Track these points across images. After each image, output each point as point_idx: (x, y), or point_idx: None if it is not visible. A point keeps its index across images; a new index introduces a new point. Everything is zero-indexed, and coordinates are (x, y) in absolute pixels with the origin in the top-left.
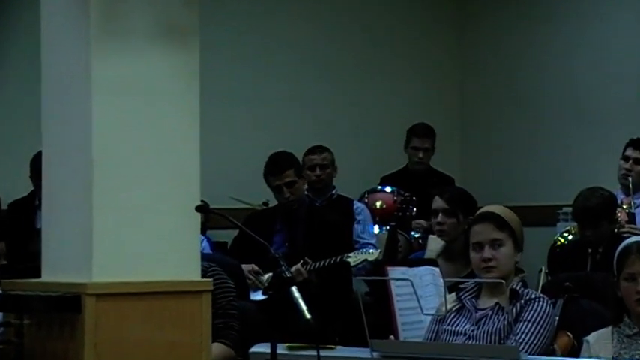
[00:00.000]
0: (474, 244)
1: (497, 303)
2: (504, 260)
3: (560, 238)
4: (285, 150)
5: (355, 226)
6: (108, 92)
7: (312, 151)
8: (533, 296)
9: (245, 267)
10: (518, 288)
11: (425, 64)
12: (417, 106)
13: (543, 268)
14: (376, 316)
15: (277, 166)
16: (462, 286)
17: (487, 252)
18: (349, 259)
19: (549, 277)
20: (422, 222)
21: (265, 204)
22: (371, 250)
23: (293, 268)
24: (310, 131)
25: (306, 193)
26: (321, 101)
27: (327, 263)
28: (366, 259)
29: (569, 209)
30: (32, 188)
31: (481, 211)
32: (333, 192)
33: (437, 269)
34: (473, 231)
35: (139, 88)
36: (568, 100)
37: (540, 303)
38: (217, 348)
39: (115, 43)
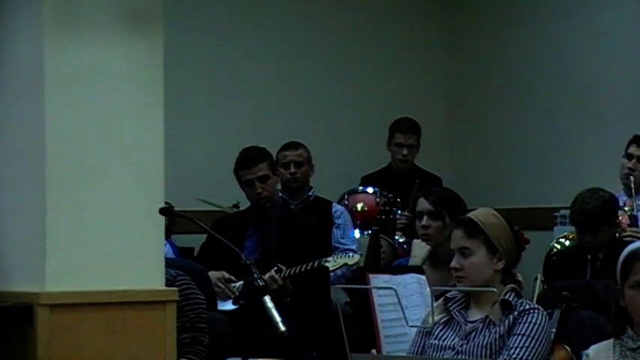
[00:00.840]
0: (451, 250)
1: (487, 316)
2: (473, 270)
3: (557, 244)
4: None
5: (334, 230)
6: (63, 85)
7: (287, 146)
8: (527, 307)
9: (214, 274)
10: (510, 298)
11: (411, 54)
12: (401, 99)
13: (539, 276)
14: (357, 329)
15: (249, 158)
16: (449, 295)
17: (455, 261)
18: (327, 264)
19: (545, 286)
20: (405, 214)
21: (236, 206)
22: (351, 254)
23: (266, 276)
24: (285, 127)
25: (280, 194)
26: (297, 94)
27: (303, 269)
28: (345, 264)
29: (567, 212)
30: None
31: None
32: (310, 193)
33: (423, 277)
34: (451, 236)
35: (97, 80)
36: (566, 93)
37: (535, 314)
38: None
39: (71, 30)
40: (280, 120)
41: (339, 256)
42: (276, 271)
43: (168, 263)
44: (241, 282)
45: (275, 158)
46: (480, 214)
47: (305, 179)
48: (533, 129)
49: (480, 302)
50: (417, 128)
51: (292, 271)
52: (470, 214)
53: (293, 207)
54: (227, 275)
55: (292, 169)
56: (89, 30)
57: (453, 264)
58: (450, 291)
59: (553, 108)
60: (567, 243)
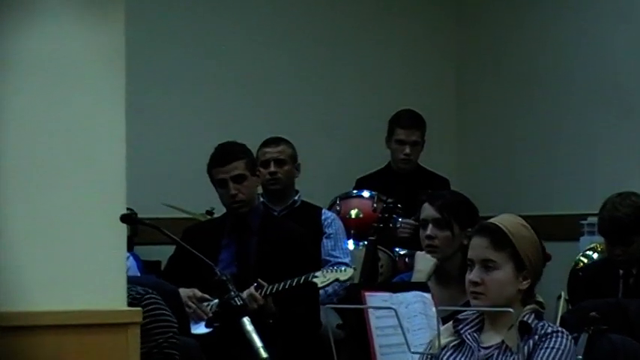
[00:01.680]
0: (467, 260)
1: (503, 341)
2: (496, 287)
3: (583, 257)
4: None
5: (324, 241)
6: (10, 76)
7: (267, 142)
8: (549, 330)
9: (183, 292)
10: (530, 321)
11: (414, 40)
12: (403, 90)
13: (563, 294)
14: (351, 355)
15: (224, 155)
16: (460, 316)
17: (475, 274)
18: (316, 280)
19: (570, 306)
20: (409, 221)
21: (210, 213)
22: (343, 269)
23: (245, 294)
24: (267, 122)
25: (261, 199)
26: (281, 84)
27: (287, 286)
28: (337, 279)
29: (595, 220)
30: None
31: (487, 221)
32: (296, 198)
33: (428, 295)
34: (470, 244)
35: (49, 70)
36: (593, 82)
37: (559, 338)
38: None
39: (20, 14)
40: (262, 114)
41: (329, 271)
42: (256, 288)
43: (132, 282)
44: (216, 301)
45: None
46: (508, 222)
47: (288, 180)
48: (555, 123)
49: (497, 325)
50: (421, 123)
51: (275, 288)
52: (495, 221)
53: (276, 214)
54: (199, 293)
55: (272, 168)
56: (41, 14)
57: (472, 277)
58: (460, 312)
59: (578, 99)
60: (595, 256)
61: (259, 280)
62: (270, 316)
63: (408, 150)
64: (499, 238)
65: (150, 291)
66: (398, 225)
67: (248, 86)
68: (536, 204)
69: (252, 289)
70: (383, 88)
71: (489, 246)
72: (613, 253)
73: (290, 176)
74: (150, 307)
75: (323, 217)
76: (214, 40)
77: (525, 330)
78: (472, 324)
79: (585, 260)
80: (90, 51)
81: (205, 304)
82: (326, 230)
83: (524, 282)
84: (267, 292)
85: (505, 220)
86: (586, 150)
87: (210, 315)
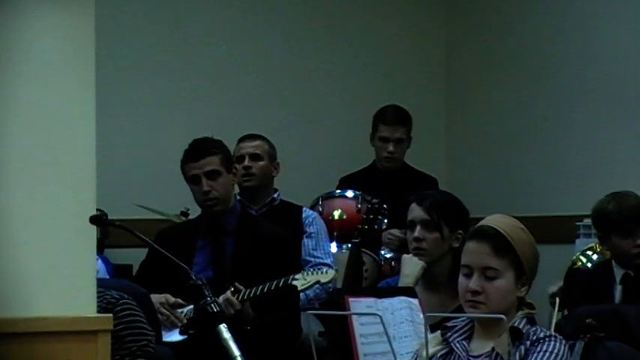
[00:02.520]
0: (463, 266)
1: (493, 348)
2: (497, 296)
3: (582, 257)
4: None
5: (305, 240)
6: None
7: (243, 138)
8: (542, 335)
9: (156, 298)
10: (521, 326)
11: (402, 31)
12: (389, 83)
13: (557, 299)
14: None
15: (197, 149)
16: (449, 324)
17: (475, 282)
18: (296, 282)
19: (566, 312)
20: (396, 232)
21: (184, 214)
22: (325, 270)
23: (221, 299)
24: (246, 119)
25: (238, 197)
26: (260, 78)
27: (265, 290)
28: (318, 282)
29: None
30: None
31: (482, 223)
32: (275, 196)
33: (415, 301)
34: (465, 249)
35: (11, 57)
36: (592, 75)
37: (552, 343)
38: None
39: None
40: (240, 110)
41: (309, 273)
42: (233, 293)
43: (103, 285)
44: (191, 307)
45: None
46: (507, 226)
47: (264, 177)
48: (551, 120)
49: (490, 333)
50: (407, 119)
51: (252, 292)
52: (493, 224)
53: (254, 213)
54: (172, 299)
55: (246, 162)
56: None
57: (472, 285)
58: (450, 319)
59: (576, 94)
60: (595, 257)
61: (236, 283)
62: (248, 322)
63: (391, 147)
64: (500, 245)
65: (125, 296)
66: (384, 227)
67: (225, 79)
68: (530, 204)
69: (228, 293)
70: (368, 82)
71: (490, 253)
72: (626, 248)
73: (266, 173)
74: (124, 313)
75: (304, 216)
76: (190, 29)
77: (516, 336)
78: (461, 332)
79: (584, 260)
80: (56, 36)
81: (179, 310)
82: (307, 229)
83: (523, 289)
84: (245, 297)
85: (503, 224)
86: (583, 148)
87: (185, 322)
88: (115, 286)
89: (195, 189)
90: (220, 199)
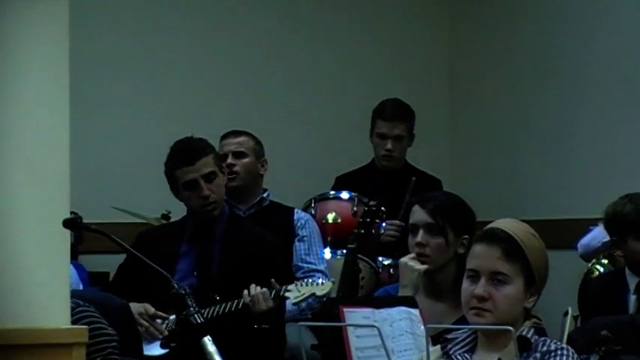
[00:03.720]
0: (468, 270)
1: (499, 359)
2: (505, 304)
3: (598, 265)
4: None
5: (297, 244)
6: None
7: (226, 134)
8: (552, 347)
9: (135, 308)
10: (529, 335)
11: (401, 21)
12: (389, 77)
13: (570, 309)
14: None
15: (189, 152)
16: (449, 335)
17: (482, 287)
18: (289, 294)
19: (579, 323)
20: (395, 222)
21: (165, 217)
22: (320, 281)
23: (254, 289)
24: (232, 115)
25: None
26: (248, 70)
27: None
28: (313, 294)
29: None
30: None
31: (492, 225)
32: (265, 196)
33: (416, 312)
34: (472, 252)
35: None
36: (611, 72)
37: (564, 355)
38: None
39: None
40: (225, 105)
41: (304, 285)
42: (217, 303)
43: (76, 297)
44: (173, 317)
45: None
46: (518, 230)
47: (249, 175)
48: (563, 115)
49: (495, 345)
50: (408, 114)
51: (237, 305)
52: (503, 228)
53: (242, 214)
54: (152, 309)
55: (230, 160)
56: None
57: (478, 290)
58: (453, 330)
59: (590, 88)
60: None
61: (272, 280)
62: (270, 321)
63: (389, 145)
64: (512, 249)
65: (81, 303)
66: (382, 231)
67: (209, 73)
68: (541, 207)
69: (264, 289)
70: (366, 75)
71: (501, 257)
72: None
73: (251, 170)
74: (83, 322)
75: (295, 218)
76: (170, 19)
77: (525, 346)
78: (462, 343)
79: (598, 269)
80: (27, 30)
81: (159, 321)
82: (299, 232)
83: (531, 299)
84: (230, 310)
85: (514, 228)
86: (597, 147)
87: (166, 334)
88: (92, 298)
89: (192, 195)
90: (219, 202)
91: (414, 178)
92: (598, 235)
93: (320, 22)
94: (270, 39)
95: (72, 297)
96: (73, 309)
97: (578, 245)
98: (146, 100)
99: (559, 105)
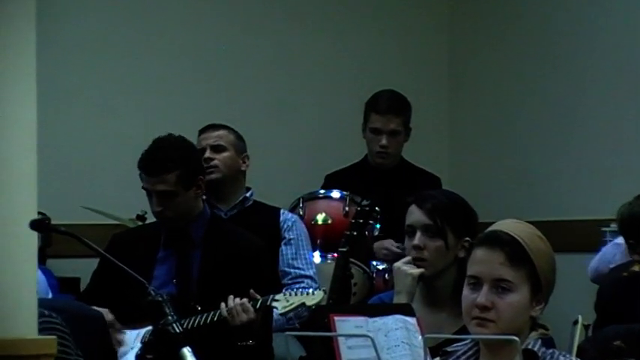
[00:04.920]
0: (469, 277)
1: None
2: (509, 313)
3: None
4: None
5: (283, 248)
6: None
7: (204, 128)
8: None
9: (108, 314)
10: (536, 348)
11: (399, 8)
12: (385, 67)
13: (580, 318)
14: None
15: (151, 163)
16: (449, 348)
17: (484, 295)
18: (276, 304)
19: (590, 333)
20: (391, 245)
21: (141, 217)
22: (310, 290)
23: (232, 301)
24: (214, 107)
25: (204, 197)
26: (232, 59)
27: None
28: (302, 304)
29: None
30: None
31: (493, 228)
32: (248, 195)
33: (413, 320)
34: (472, 257)
35: None
36: (621, 62)
37: None
38: None
39: None
40: (207, 97)
41: (293, 294)
42: (200, 313)
43: (46, 306)
44: (149, 327)
45: None
46: (523, 232)
47: (228, 171)
48: (571, 108)
49: (499, 355)
50: (403, 107)
51: (217, 314)
52: (507, 230)
53: (223, 215)
54: (109, 316)
55: (207, 154)
56: None
57: (481, 299)
58: (453, 341)
59: (599, 80)
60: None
61: (252, 291)
62: (254, 337)
63: (384, 141)
64: (516, 253)
65: (45, 312)
66: (375, 232)
67: (189, 62)
68: (548, 207)
69: (244, 300)
70: (359, 64)
71: (505, 262)
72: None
73: (232, 166)
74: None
75: (282, 219)
76: (147, 3)
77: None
78: (464, 357)
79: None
80: None
81: (124, 331)
82: (285, 235)
83: (538, 307)
84: (259, 306)
85: (519, 230)
86: (608, 142)
87: (141, 344)
88: (63, 306)
89: (149, 201)
90: (175, 218)
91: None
92: (607, 254)
93: (309, 8)
94: (255, 25)
95: (41, 306)
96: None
97: (589, 270)
98: (120, 91)
99: (566, 97)
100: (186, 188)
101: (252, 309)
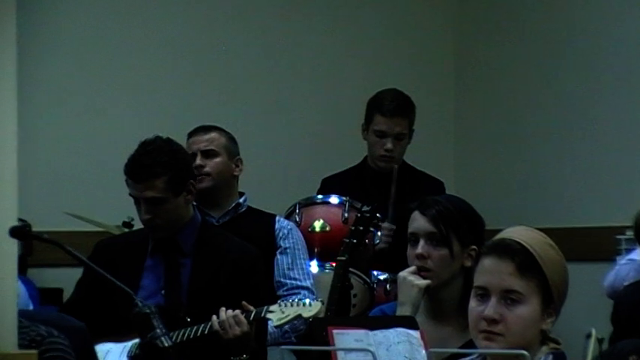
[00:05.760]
0: (476, 288)
1: None
2: (519, 327)
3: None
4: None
5: (278, 257)
6: None
7: (194, 131)
8: None
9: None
10: None
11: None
12: (387, 66)
13: (593, 331)
14: None
15: (138, 168)
16: None
17: (492, 308)
18: (271, 316)
19: (604, 347)
20: (385, 226)
21: (128, 224)
22: (307, 301)
23: (223, 315)
24: (205, 107)
25: (194, 203)
26: (221, 57)
27: None
28: (299, 316)
29: None
30: None
31: (502, 235)
32: (241, 200)
33: (416, 334)
34: (480, 267)
35: None
36: (636, 61)
37: None
38: None
39: None
40: (196, 99)
41: (289, 305)
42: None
43: (25, 317)
44: (136, 341)
45: None
46: (533, 240)
47: (221, 177)
48: (585, 109)
49: None
50: (409, 108)
51: (209, 327)
52: (516, 238)
53: (215, 222)
54: None
55: (198, 161)
56: None
57: (489, 311)
58: (459, 355)
59: (615, 77)
60: None
61: (244, 302)
62: (248, 351)
63: (389, 145)
64: (527, 263)
65: (55, 333)
66: (377, 240)
67: (178, 61)
68: (559, 213)
69: (237, 311)
70: (360, 62)
71: (514, 272)
72: None
73: (224, 171)
74: (50, 355)
75: (277, 227)
76: (132, 9)
77: None
78: None
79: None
80: None
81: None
82: (281, 243)
83: (549, 320)
84: (251, 318)
85: (529, 238)
86: (624, 144)
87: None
88: (44, 318)
89: (137, 208)
90: (164, 226)
91: (396, 167)
92: (622, 271)
93: (305, 7)
94: (248, 20)
95: (21, 317)
96: (43, 338)
97: (604, 286)
98: (107, 93)
99: (579, 97)
100: (177, 194)
101: (245, 321)
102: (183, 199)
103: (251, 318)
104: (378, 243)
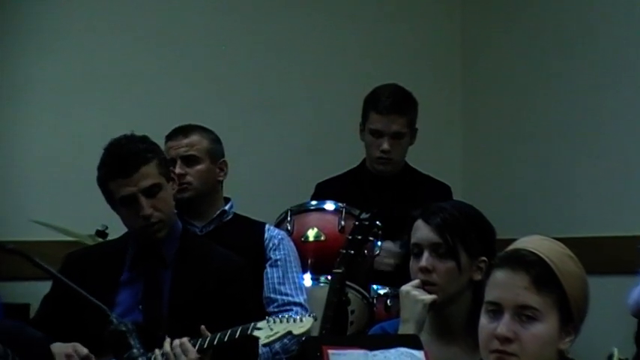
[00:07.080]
0: (488, 303)
1: None
2: (534, 346)
3: None
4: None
5: (268, 270)
6: None
7: (172, 134)
8: None
9: (60, 348)
10: None
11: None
12: (390, 60)
13: (616, 351)
14: None
15: (126, 159)
16: None
17: (505, 325)
18: (259, 333)
19: None
20: (391, 248)
21: (101, 234)
22: (298, 317)
23: (170, 344)
24: (186, 105)
25: (175, 211)
26: (207, 48)
27: (215, 342)
28: (289, 333)
29: None
30: None
31: (516, 246)
32: (226, 207)
33: (420, 354)
34: (491, 280)
35: None
36: None
37: None
38: None
39: None
40: (178, 95)
41: (278, 321)
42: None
43: None
44: None
45: None
46: (551, 252)
47: (204, 185)
48: (603, 108)
49: None
50: (409, 105)
51: (199, 343)
52: (532, 249)
53: (198, 232)
54: (83, 350)
55: (178, 169)
56: None
57: (502, 329)
58: None
59: (631, 78)
60: None
61: (202, 327)
62: None
63: (386, 145)
64: (544, 276)
65: (10, 352)
66: (377, 251)
67: (160, 55)
68: (576, 222)
69: (184, 338)
70: (359, 57)
71: (530, 286)
72: None
73: (207, 178)
74: None
75: (266, 237)
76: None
77: None
78: None
79: None
80: None
81: None
82: (271, 255)
83: (567, 339)
84: (205, 346)
85: (545, 248)
86: None
87: None
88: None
89: (130, 212)
90: (166, 221)
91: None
92: None
93: (311, 4)
94: (239, 16)
95: None
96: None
97: (629, 303)
98: (77, 90)
99: (596, 93)
100: (168, 178)
101: (192, 349)
102: (171, 189)
103: (205, 345)
104: (378, 258)
